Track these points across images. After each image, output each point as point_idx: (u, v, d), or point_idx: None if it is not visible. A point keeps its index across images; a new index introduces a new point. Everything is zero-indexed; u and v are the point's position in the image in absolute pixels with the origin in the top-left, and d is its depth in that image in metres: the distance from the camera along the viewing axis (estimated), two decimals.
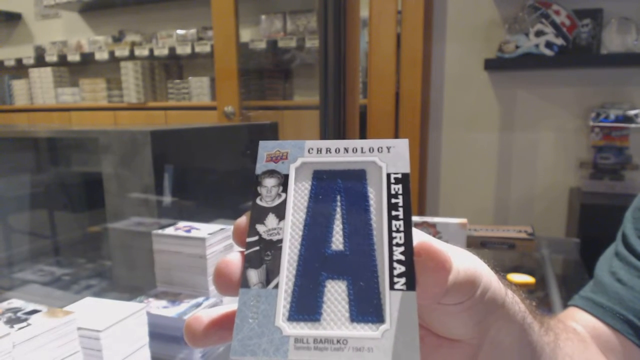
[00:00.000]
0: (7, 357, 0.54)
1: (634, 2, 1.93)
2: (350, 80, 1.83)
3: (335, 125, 1.79)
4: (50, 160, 1.42)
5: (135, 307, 0.71)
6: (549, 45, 1.93)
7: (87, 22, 3.36)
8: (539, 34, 1.93)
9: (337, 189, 0.25)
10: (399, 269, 0.22)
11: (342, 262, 0.23)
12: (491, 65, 2.07)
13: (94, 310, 0.69)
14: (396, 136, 2.12)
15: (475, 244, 1.34)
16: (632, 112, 1.91)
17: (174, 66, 3.10)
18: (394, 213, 0.24)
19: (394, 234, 0.23)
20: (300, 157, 0.26)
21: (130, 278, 1.07)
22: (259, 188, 0.26)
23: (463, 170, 2.28)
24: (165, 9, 3.02)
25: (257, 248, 0.24)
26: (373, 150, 0.26)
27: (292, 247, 0.24)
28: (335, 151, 0.26)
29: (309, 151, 0.26)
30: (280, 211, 0.25)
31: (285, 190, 0.25)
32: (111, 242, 1.10)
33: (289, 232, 0.24)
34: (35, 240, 1.41)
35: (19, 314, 0.60)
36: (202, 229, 0.92)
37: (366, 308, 0.22)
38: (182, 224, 0.95)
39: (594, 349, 0.50)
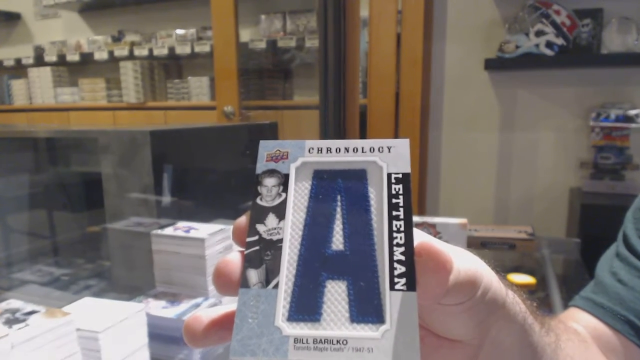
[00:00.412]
0: (6, 358, 0.54)
1: (634, 2, 1.93)
2: (350, 80, 1.83)
3: (335, 125, 1.79)
4: (50, 160, 1.42)
5: (135, 307, 0.70)
6: (549, 45, 1.92)
7: (86, 22, 3.36)
8: (539, 33, 1.93)
9: (338, 188, 0.25)
10: (400, 269, 0.22)
11: (343, 262, 0.23)
12: (491, 65, 2.06)
13: (93, 311, 0.69)
14: (396, 136, 2.12)
15: (476, 244, 1.34)
16: (632, 112, 1.91)
17: (173, 66, 3.09)
18: (394, 213, 0.24)
19: (395, 234, 0.23)
20: (300, 156, 0.26)
21: (130, 278, 1.06)
22: (259, 187, 0.25)
23: (463, 170, 2.28)
24: (165, 8, 3.02)
25: (257, 248, 0.24)
26: (374, 150, 0.26)
27: (292, 247, 0.24)
28: (336, 151, 0.26)
29: (309, 151, 0.26)
30: (280, 211, 0.25)
31: (285, 190, 0.25)
32: (110, 242, 1.10)
33: (289, 231, 0.24)
34: (34, 241, 1.41)
35: (17, 315, 0.60)
36: (201, 229, 0.91)
37: (366, 308, 0.22)
38: (181, 224, 0.95)
39: (595, 350, 0.50)
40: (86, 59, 3.16)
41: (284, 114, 2.69)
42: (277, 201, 0.25)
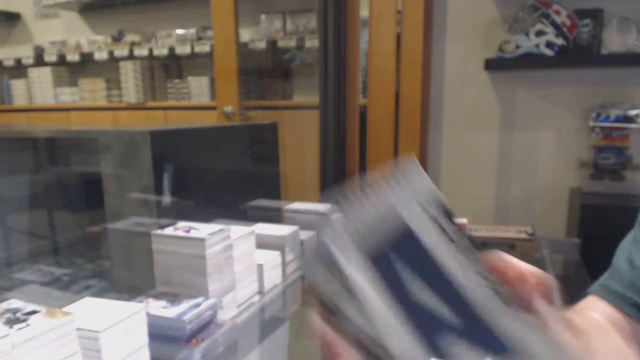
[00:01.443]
0: (6, 358, 0.54)
1: (634, 2, 1.93)
2: (350, 80, 1.83)
3: (335, 125, 1.79)
4: (50, 160, 1.42)
5: (135, 307, 0.70)
6: (549, 45, 1.92)
7: (86, 21, 3.36)
8: (539, 33, 1.93)
9: (395, 260, 0.24)
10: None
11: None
12: (491, 65, 2.06)
13: (93, 311, 0.69)
14: (396, 136, 2.12)
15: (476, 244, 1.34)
16: (632, 112, 1.91)
17: (173, 66, 3.09)
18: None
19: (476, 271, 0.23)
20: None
21: (130, 278, 1.06)
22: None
23: (463, 170, 2.28)
24: (165, 8, 3.02)
25: None
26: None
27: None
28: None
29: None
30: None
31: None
32: (110, 242, 1.10)
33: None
34: (34, 241, 1.41)
35: (18, 315, 0.60)
36: (201, 229, 0.91)
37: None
38: (181, 224, 0.95)
39: (614, 335, 0.50)
40: (86, 59, 3.16)
41: (284, 114, 2.68)
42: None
